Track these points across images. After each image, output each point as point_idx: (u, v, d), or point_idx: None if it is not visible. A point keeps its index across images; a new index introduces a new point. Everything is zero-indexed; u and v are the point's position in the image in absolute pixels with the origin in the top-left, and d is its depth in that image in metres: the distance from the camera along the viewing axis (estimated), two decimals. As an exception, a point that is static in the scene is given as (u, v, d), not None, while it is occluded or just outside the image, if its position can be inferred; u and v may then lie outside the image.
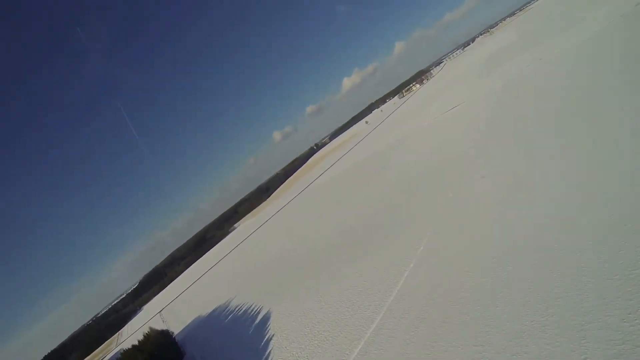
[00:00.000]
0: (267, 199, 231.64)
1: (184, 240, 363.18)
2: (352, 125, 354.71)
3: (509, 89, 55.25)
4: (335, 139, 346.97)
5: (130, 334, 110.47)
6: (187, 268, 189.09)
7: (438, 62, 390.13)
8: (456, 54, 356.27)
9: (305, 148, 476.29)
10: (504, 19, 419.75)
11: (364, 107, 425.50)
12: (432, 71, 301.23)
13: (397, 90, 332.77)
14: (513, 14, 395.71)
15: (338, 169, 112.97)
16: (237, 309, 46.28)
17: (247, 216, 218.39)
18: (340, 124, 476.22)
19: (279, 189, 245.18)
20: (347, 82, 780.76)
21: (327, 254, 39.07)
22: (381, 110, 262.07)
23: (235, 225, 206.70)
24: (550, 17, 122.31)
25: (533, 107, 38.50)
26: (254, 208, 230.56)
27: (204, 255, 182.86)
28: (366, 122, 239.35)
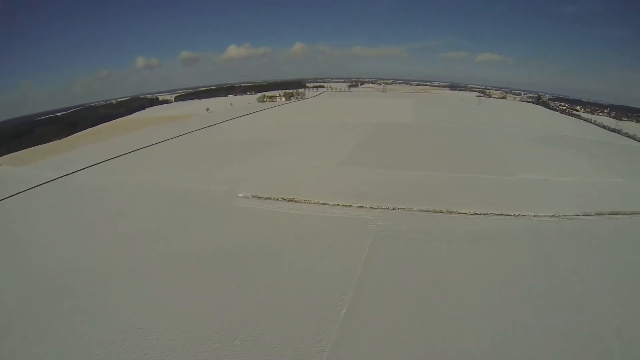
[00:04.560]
0: (65, 138, 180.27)
1: None
2: (202, 98, 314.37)
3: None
4: (176, 104, 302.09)
5: None
6: None
7: (320, 84, 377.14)
8: (340, 87, 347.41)
9: (156, 89, 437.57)
10: (405, 83, 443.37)
11: (229, 83, 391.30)
12: (305, 91, 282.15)
13: (264, 89, 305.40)
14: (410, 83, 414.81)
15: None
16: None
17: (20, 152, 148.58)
18: (195, 85, 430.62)
19: (85, 131, 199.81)
20: (232, 50, 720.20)
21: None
22: (231, 104, 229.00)
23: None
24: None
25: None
26: (40, 143, 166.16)
27: None
28: (207, 109, 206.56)
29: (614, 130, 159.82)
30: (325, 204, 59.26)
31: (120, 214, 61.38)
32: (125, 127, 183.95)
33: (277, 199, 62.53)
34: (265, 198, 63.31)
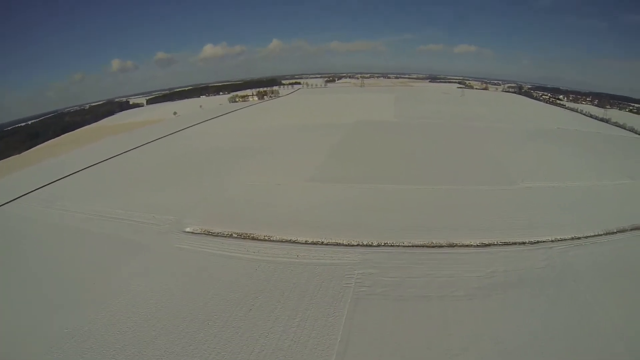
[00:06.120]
0: (25, 152, 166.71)
1: None
2: (174, 100, 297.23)
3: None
4: (146, 107, 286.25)
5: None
6: None
7: (297, 81, 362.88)
8: (317, 83, 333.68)
9: (132, 92, 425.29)
10: (383, 76, 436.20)
11: (205, 83, 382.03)
12: (280, 89, 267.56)
13: (239, 88, 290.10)
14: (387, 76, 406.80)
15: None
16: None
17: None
18: (171, 86, 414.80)
19: (46, 143, 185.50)
20: (208, 49, 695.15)
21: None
22: (200, 106, 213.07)
23: None
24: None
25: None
26: (3, 157, 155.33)
27: None
28: (174, 113, 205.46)
29: (602, 120, 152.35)
30: (289, 240, 45.63)
31: (37, 265, 46.93)
32: (87, 138, 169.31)
33: (231, 235, 48.76)
34: (217, 234, 49.45)
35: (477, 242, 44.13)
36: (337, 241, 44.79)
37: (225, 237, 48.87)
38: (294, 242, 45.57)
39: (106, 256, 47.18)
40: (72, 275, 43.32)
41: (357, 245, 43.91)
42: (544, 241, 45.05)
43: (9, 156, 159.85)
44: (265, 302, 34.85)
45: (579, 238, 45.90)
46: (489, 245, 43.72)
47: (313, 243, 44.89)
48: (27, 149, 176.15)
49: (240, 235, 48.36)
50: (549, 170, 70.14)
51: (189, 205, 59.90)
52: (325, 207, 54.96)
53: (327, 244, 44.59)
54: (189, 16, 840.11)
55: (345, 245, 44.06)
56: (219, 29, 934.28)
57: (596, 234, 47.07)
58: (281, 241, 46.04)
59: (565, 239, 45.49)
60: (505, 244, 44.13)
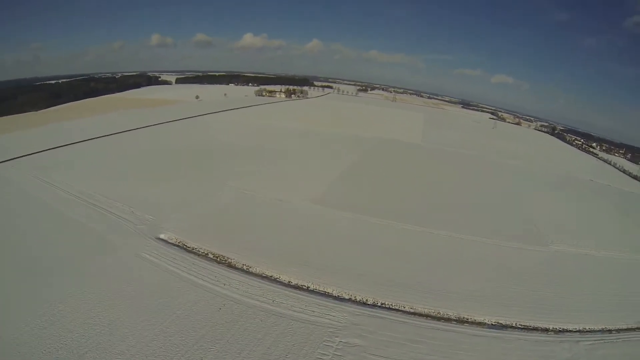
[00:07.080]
0: (41, 110, 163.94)
1: None
2: (203, 83, 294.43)
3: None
4: (173, 86, 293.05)
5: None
6: None
7: (329, 84, 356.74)
8: (349, 90, 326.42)
9: (166, 68, 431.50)
10: (416, 94, 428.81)
11: (238, 71, 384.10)
12: (310, 90, 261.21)
13: (270, 82, 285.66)
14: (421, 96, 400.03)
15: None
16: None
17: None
18: (205, 69, 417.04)
19: (65, 105, 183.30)
20: (248, 38, 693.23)
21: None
22: (225, 94, 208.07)
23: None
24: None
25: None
26: (16, 112, 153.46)
27: None
28: (197, 97, 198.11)
29: (635, 178, 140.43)
30: (270, 277, 38.01)
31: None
32: (104, 106, 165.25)
33: (206, 255, 41.43)
34: (191, 250, 42.36)
35: (493, 321, 35.80)
36: (325, 290, 36.93)
37: (199, 255, 41.83)
38: (275, 280, 38.01)
39: (63, 249, 40.72)
40: (15, 265, 36.72)
41: (349, 300, 36.05)
42: (570, 330, 36.84)
43: (26, 112, 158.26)
44: (218, 360, 27.20)
45: (609, 331, 38.21)
46: (505, 327, 35.25)
47: (297, 287, 37.21)
48: (46, 107, 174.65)
49: (216, 258, 41.10)
50: (580, 231, 61.86)
51: (174, 206, 53.56)
52: (325, 240, 47.35)
53: (312, 291, 36.73)
54: (235, 2, 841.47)
55: (334, 297, 36.24)
56: (262, 20, 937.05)
57: (629, 327, 39.20)
58: (260, 276, 38.50)
59: (594, 331, 37.69)
60: (525, 328, 35.73)
